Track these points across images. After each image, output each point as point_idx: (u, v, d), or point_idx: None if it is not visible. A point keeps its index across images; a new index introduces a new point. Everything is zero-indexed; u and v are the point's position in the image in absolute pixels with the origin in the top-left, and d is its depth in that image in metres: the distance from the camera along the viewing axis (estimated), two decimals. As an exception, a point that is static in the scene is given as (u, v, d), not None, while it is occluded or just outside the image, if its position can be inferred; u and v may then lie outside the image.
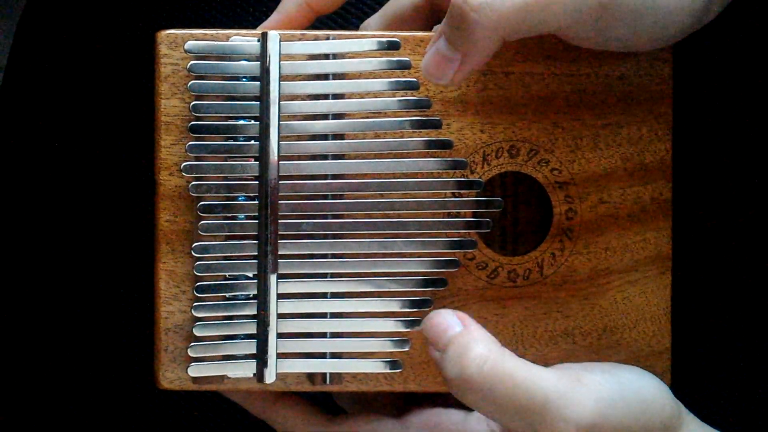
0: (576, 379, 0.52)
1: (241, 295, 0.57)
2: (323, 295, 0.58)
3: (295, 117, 0.57)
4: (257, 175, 0.56)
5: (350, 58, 0.57)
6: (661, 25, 0.52)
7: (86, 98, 0.69)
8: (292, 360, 0.57)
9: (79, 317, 0.69)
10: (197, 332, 0.57)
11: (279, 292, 0.56)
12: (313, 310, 0.57)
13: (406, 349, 0.58)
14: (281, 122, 0.56)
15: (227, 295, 0.57)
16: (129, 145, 0.69)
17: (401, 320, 0.58)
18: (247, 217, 0.57)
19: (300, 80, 0.57)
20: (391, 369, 0.58)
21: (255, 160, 0.56)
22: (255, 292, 0.57)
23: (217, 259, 0.57)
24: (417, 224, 0.57)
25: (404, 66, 0.57)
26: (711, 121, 0.63)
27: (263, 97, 0.56)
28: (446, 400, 0.59)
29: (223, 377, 0.57)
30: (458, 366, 0.51)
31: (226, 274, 0.57)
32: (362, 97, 0.57)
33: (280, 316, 0.57)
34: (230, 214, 0.57)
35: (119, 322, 0.69)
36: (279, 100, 0.56)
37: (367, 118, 0.57)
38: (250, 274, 0.57)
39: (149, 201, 0.58)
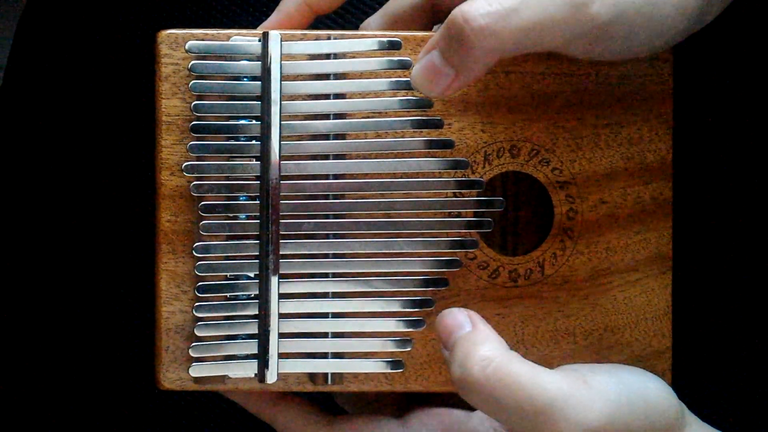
0: (582, 381, 0.52)
1: (243, 295, 0.57)
2: (324, 295, 0.57)
3: (296, 117, 0.57)
4: (258, 174, 0.56)
5: (351, 57, 0.57)
6: (655, 37, 0.52)
7: (87, 98, 0.69)
8: (294, 360, 0.57)
9: (79, 317, 0.69)
10: (198, 332, 0.57)
11: (280, 292, 0.56)
12: (315, 310, 0.57)
13: (408, 349, 0.58)
14: (282, 122, 0.56)
15: (228, 295, 0.57)
16: (130, 145, 0.69)
17: (402, 320, 0.58)
18: (248, 217, 0.57)
19: (301, 80, 0.57)
20: (392, 369, 0.58)
21: (256, 160, 0.56)
22: (256, 292, 0.57)
23: (218, 259, 0.57)
24: (418, 224, 0.57)
25: (405, 66, 0.57)
26: (711, 121, 0.63)
27: (264, 96, 0.56)
28: (448, 399, 0.59)
29: (224, 377, 0.57)
30: (462, 367, 0.51)
31: (227, 274, 0.57)
32: (363, 97, 0.57)
33: (282, 316, 0.57)
34: (231, 214, 0.57)
35: (120, 322, 0.69)
36: (280, 100, 0.56)
37: (369, 117, 0.57)
38: (252, 274, 0.57)
39: (150, 201, 0.58)
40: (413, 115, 0.57)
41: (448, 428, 0.58)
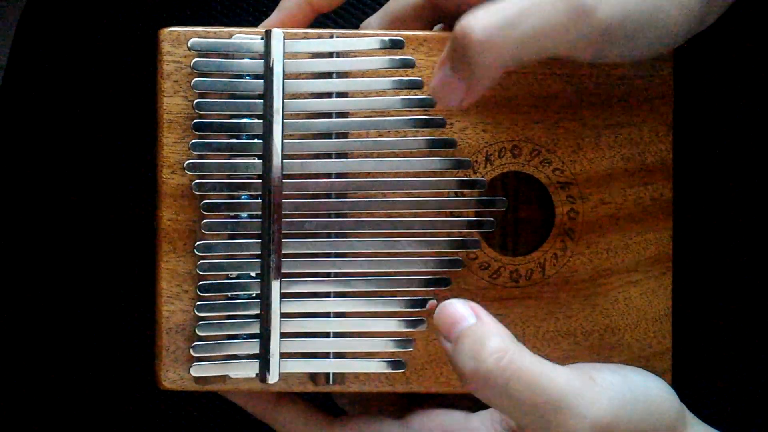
0: (588, 377, 0.52)
1: (244, 294, 0.57)
2: (326, 295, 0.57)
3: (298, 115, 0.57)
4: (260, 173, 0.56)
5: (354, 56, 0.57)
6: (659, 39, 0.52)
7: (87, 97, 0.69)
8: (295, 360, 0.57)
9: (79, 317, 0.69)
10: (199, 332, 0.57)
11: (282, 291, 0.56)
12: (316, 310, 0.57)
13: (410, 350, 0.58)
14: (285, 120, 0.56)
15: (230, 294, 0.57)
16: (131, 144, 0.68)
17: (404, 320, 0.58)
18: (250, 216, 0.56)
19: (303, 78, 0.57)
20: (394, 369, 0.58)
21: (258, 159, 0.56)
22: (258, 292, 0.56)
23: (219, 258, 0.57)
24: (420, 224, 0.57)
25: (408, 65, 0.57)
26: (711, 121, 0.63)
27: (267, 95, 0.56)
28: (448, 400, 0.59)
29: (225, 377, 0.57)
30: (474, 360, 0.51)
31: (229, 273, 0.57)
32: (366, 96, 0.57)
33: (283, 315, 0.56)
34: (233, 213, 0.56)
35: (120, 321, 0.69)
36: (282, 99, 0.56)
37: (371, 116, 0.57)
38: (253, 274, 0.57)
39: (151, 199, 0.57)
40: (415, 115, 0.57)
41: (449, 429, 0.58)
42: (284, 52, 0.56)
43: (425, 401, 0.60)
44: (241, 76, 0.56)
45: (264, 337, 0.56)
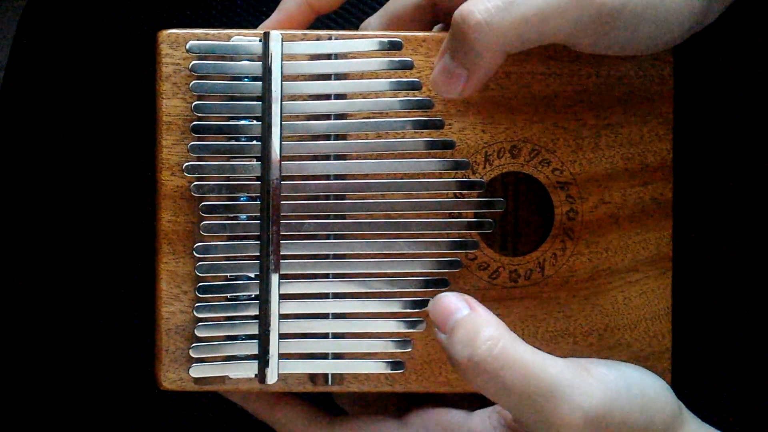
0: (583, 369, 0.52)
1: (243, 295, 0.57)
2: (325, 296, 0.57)
3: (297, 117, 0.57)
4: (259, 175, 0.56)
5: (352, 58, 0.57)
6: (661, 30, 0.52)
7: (87, 98, 0.69)
8: (294, 361, 0.57)
9: (79, 318, 0.69)
10: (199, 333, 0.57)
11: (281, 292, 0.56)
12: (315, 311, 0.57)
13: (408, 350, 0.58)
14: (283, 122, 0.56)
15: (229, 295, 0.57)
16: (130, 145, 0.69)
17: (403, 321, 0.58)
18: (248, 218, 0.57)
19: (302, 80, 0.57)
20: (393, 369, 0.58)
21: (257, 161, 0.56)
22: (257, 293, 0.57)
23: (218, 259, 0.57)
24: (419, 225, 0.57)
25: (406, 66, 0.57)
26: (711, 121, 0.63)
27: (265, 97, 0.56)
28: (448, 400, 0.59)
29: (224, 378, 0.57)
30: (468, 348, 0.51)
31: (228, 274, 0.57)
32: (364, 98, 0.57)
33: (282, 316, 0.57)
34: (232, 215, 0.57)
35: (120, 322, 0.69)
36: (281, 100, 0.56)
37: (369, 118, 0.57)
38: (252, 275, 0.57)
39: (150, 201, 0.58)
40: (414, 116, 0.57)
41: (448, 428, 0.58)
42: (282, 54, 0.56)
43: (424, 401, 0.60)
44: (239, 78, 0.56)
45: (263, 338, 0.56)
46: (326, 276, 0.57)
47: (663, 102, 0.59)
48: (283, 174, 0.56)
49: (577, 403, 0.51)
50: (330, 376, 0.58)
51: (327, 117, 0.57)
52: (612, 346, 0.59)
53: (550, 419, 0.51)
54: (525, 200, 0.61)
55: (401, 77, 0.57)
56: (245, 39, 0.57)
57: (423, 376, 0.58)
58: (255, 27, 0.59)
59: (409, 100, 0.57)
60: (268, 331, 0.56)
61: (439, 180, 0.57)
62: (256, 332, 0.57)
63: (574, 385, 0.51)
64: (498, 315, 0.55)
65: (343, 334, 0.58)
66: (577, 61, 0.58)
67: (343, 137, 0.57)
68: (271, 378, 0.57)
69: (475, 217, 0.58)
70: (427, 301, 0.57)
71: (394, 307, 0.58)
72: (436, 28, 0.61)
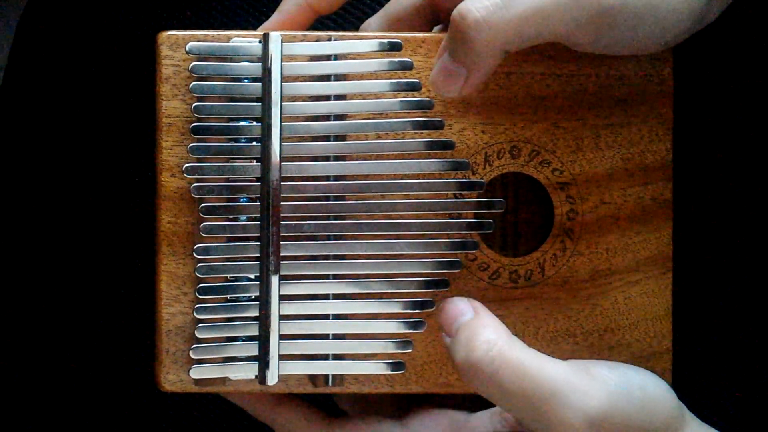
0: (584, 370, 0.52)
1: (243, 296, 0.57)
2: (325, 297, 0.57)
3: (296, 118, 0.57)
4: (259, 176, 0.56)
5: (352, 59, 0.57)
6: (661, 29, 0.52)
7: (87, 99, 0.69)
8: (294, 362, 0.57)
9: (79, 318, 0.69)
10: (199, 334, 0.57)
11: (281, 293, 0.56)
12: (315, 312, 0.57)
13: (409, 351, 0.58)
14: (283, 123, 0.56)
15: (229, 296, 0.57)
16: (130, 147, 0.69)
17: (403, 321, 0.58)
18: (248, 219, 0.57)
19: (302, 81, 0.57)
20: (393, 370, 0.58)
21: (257, 162, 0.56)
22: (257, 294, 0.57)
23: (218, 260, 0.57)
24: (419, 225, 0.57)
25: (406, 67, 0.57)
26: (711, 121, 0.63)
27: (265, 98, 0.56)
28: (448, 401, 0.59)
29: (224, 379, 0.57)
30: (466, 350, 0.52)
31: (228, 275, 0.57)
32: (364, 98, 0.57)
33: (282, 317, 0.57)
34: (232, 216, 0.57)
35: (120, 323, 0.69)
36: (281, 101, 0.56)
37: (369, 119, 0.57)
38: (252, 276, 0.57)
39: (150, 202, 0.58)
40: (414, 117, 0.57)
41: (448, 429, 0.58)
42: (282, 55, 0.56)
43: (425, 402, 0.60)
44: (239, 80, 0.56)
45: (263, 339, 0.56)
46: (326, 277, 0.57)
47: (663, 102, 0.58)
48: (283, 175, 0.56)
49: (579, 406, 0.51)
50: (330, 377, 0.58)
51: (327, 118, 0.57)
52: (612, 347, 0.59)
53: (551, 422, 0.51)
54: (525, 201, 0.61)
55: (401, 78, 0.57)
56: (245, 40, 0.57)
57: (423, 377, 0.58)
58: (255, 28, 0.59)
59: (408, 100, 0.57)
60: (269, 333, 0.56)
61: (439, 180, 0.57)
62: (257, 333, 0.57)
63: (576, 387, 0.51)
64: (498, 315, 0.55)
65: (343, 335, 0.58)
66: (577, 61, 0.58)
67: (343, 138, 0.57)
68: (272, 379, 0.57)
69: (475, 218, 0.58)
70: (428, 301, 0.57)
71: (394, 307, 0.58)
72: (435, 28, 0.61)
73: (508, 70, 0.58)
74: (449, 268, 0.58)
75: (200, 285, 0.57)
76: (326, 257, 0.57)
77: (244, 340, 0.57)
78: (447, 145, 0.57)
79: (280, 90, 0.56)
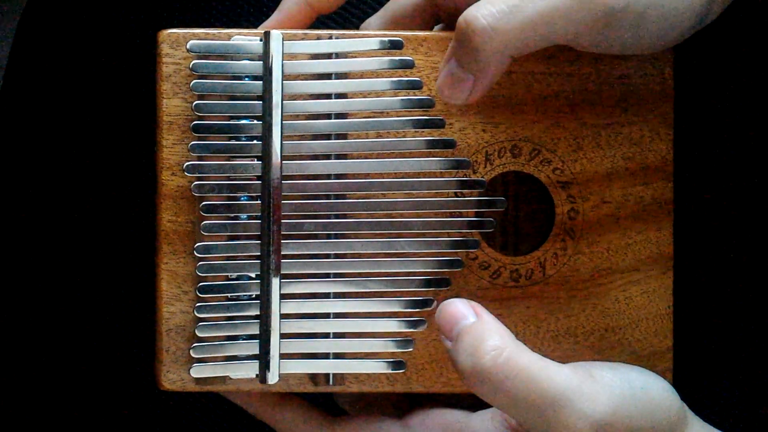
0: (588, 375, 0.52)
1: (244, 295, 0.57)
2: (326, 296, 0.57)
3: (297, 116, 0.57)
4: (260, 174, 0.56)
5: (353, 57, 0.57)
6: (663, 29, 0.52)
7: (87, 98, 0.69)
8: (295, 361, 0.57)
9: (79, 317, 0.69)
10: (199, 333, 0.57)
11: (282, 292, 0.56)
12: (316, 311, 0.57)
13: (410, 350, 0.58)
14: (284, 122, 0.56)
15: (229, 295, 0.57)
16: (130, 145, 0.68)
17: (404, 320, 0.58)
18: (249, 217, 0.57)
19: (302, 79, 0.57)
20: (394, 369, 0.58)
21: (258, 160, 0.56)
22: (257, 293, 0.57)
23: (219, 259, 0.57)
24: (420, 224, 0.57)
25: (407, 65, 0.57)
26: (712, 120, 0.63)
27: (266, 96, 0.56)
28: (449, 400, 0.59)
29: (225, 378, 0.57)
30: (473, 357, 0.51)
31: (229, 274, 0.57)
32: (365, 97, 0.57)
33: (283, 316, 0.56)
34: (233, 214, 0.57)
35: (120, 322, 0.69)
36: (282, 100, 0.56)
37: (370, 117, 0.57)
38: (253, 275, 0.57)
39: (151, 201, 0.57)
40: (414, 115, 0.57)
41: (449, 428, 0.58)
42: (283, 54, 0.56)
43: (425, 401, 0.60)
44: (240, 78, 0.56)
45: (264, 338, 0.56)
46: (327, 276, 0.57)
47: (663, 101, 0.59)
48: (283, 173, 0.56)
49: (584, 411, 0.51)
50: (331, 376, 0.58)
51: (327, 116, 0.57)
52: (613, 346, 0.59)
53: (556, 428, 0.51)
54: (526, 200, 0.61)
55: (402, 76, 0.57)
56: (246, 38, 0.57)
57: (424, 376, 0.58)
58: (255, 27, 0.59)
59: (409, 99, 0.57)
60: (269, 331, 0.56)
61: (439, 179, 0.57)
62: (257, 332, 0.56)
63: (580, 392, 0.51)
64: (499, 315, 0.55)
65: (344, 333, 0.58)
66: (578, 60, 0.58)
67: (344, 136, 0.57)
68: (272, 378, 0.57)
69: (475, 217, 0.58)
70: (429, 300, 0.57)
71: (395, 306, 0.57)
72: (436, 27, 0.61)
73: (509, 69, 0.57)
74: (450, 267, 0.58)
75: (201, 284, 0.57)
76: (327, 256, 0.57)
77: (244, 339, 0.57)
78: (448, 144, 0.57)
79: (281, 88, 0.56)
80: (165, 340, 0.57)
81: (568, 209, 0.58)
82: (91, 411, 0.69)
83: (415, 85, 0.57)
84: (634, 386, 0.53)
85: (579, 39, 0.52)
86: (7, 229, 0.71)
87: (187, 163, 0.56)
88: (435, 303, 0.57)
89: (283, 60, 0.56)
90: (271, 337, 0.56)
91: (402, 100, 0.57)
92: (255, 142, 0.56)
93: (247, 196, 0.57)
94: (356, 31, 0.59)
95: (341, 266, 0.57)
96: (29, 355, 0.70)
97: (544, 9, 0.50)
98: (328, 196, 0.57)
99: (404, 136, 0.57)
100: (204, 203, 0.56)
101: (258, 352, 0.56)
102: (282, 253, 0.56)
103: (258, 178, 0.56)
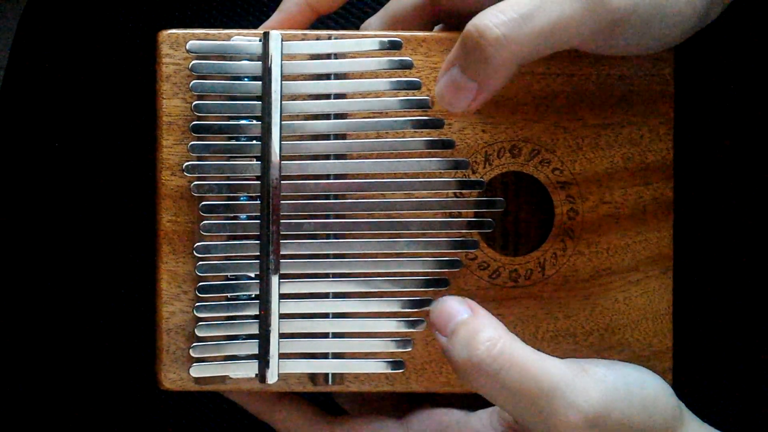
0: (582, 369, 0.52)
1: (243, 295, 0.57)
2: (325, 296, 0.57)
3: (296, 117, 0.57)
4: (259, 175, 0.56)
5: (352, 58, 0.57)
6: (666, 31, 0.52)
7: (87, 98, 0.69)
8: (294, 360, 0.57)
9: (80, 317, 0.69)
10: (199, 332, 0.57)
11: (281, 292, 0.56)
12: (315, 311, 0.57)
13: (409, 350, 0.58)
14: (283, 122, 0.56)
15: (229, 295, 0.57)
16: (130, 145, 0.69)
17: (403, 320, 0.58)
18: (249, 217, 0.57)
19: (302, 80, 0.57)
20: (393, 369, 0.58)
21: (257, 160, 0.56)
22: (257, 293, 0.57)
23: (219, 259, 0.57)
24: (419, 224, 0.57)
25: (406, 66, 0.57)
26: (712, 120, 0.63)
27: (265, 96, 0.56)
28: (447, 399, 0.59)
29: (225, 378, 0.57)
30: (467, 349, 0.52)
31: (228, 274, 0.57)
32: (364, 97, 0.57)
33: (282, 316, 0.57)
34: (232, 214, 0.57)
35: (120, 322, 0.69)
36: (281, 100, 0.56)
37: (369, 117, 0.57)
38: (252, 275, 0.57)
39: (151, 201, 0.58)
40: (414, 115, 0.57)
41: (448, 428, 0.58)
42: (282, 54, 0.56)
43: (425, 401, 0.60)
44: (239, 78, 0.57)
45: (263, 338, 0.56)
46: (326, 276, 0.57)
47: (664, 101, 0.58)
48: (282, 174, 0.56)
49: (577, 404, 0.51)
50: (330, 376, 0.58)
51: (327, 117, 0.57)
52: (613, 346, 0.59)
53: (549, 420, 0.51)
54: (525, 200, 0.61)
55: (401, 77, 0.57)
56: (245, 39, 0.57)
57: (423, 376, 0.58)
58: (255, 27, 0.59)
59: (408, 99, 0.57)
60: (269, 331, 0.56)
61: (439, 179, 0.57)
62: (257, 332, 0.57)
63: (573, 385, 0.51)
64: (498, 315, 0.55)
65: (343, 333, 0.58)
66: (578, 61, 0.58)
67: (343, 137, 0.57)
68: (272, 378, 0.57)
69: (475, 217, 0.58)
70: (428, 300, 0.57)
71: (394, 306, 0.58)
72: (436, 28, 0.61)
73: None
74: (449, 267, 0.58)
75: (200, 283, 0.57)
76: (326, 256, 0.57)
77: (244, 339, 0.57)
78: (447, 144, 0.57)
79: (281, 89, 0.56)
80: (165, 339, 0.57)
81: (567, 209, 0.58)
82: (91, 411, 0.69)
83: (415, 86, 0.57)
84: (628, 382, 0.53)
85: (585, 44, 0.52)
86: (7, 229, 0.71)
87: (187, 163, 0.56)
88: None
89: (282, 60, 0.56)
90: (270, 337, 0.56)
91: (401, 100, 0.57)
92: (254, 142, 0.56)
93: (246, 196, 0.57)
94: (356, 32, 0.59)
95: (340, 266, 0.57)
96: (29, 355, 0.70)
97: (555, 18, 0.49)
98: (327, 197, 0.57)
99: (403, 137, 0.57)
100: (203, 203, 0.56)
101: (257, 352, 0.57)
102: (281, 253, 0.56)
103: (257, 178, 0.56)
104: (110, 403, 0.69)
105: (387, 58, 0.57)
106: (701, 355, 0.64)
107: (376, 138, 0.57)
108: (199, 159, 0.57)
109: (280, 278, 0.56)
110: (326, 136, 0.57)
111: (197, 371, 0.57)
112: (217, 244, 0.57)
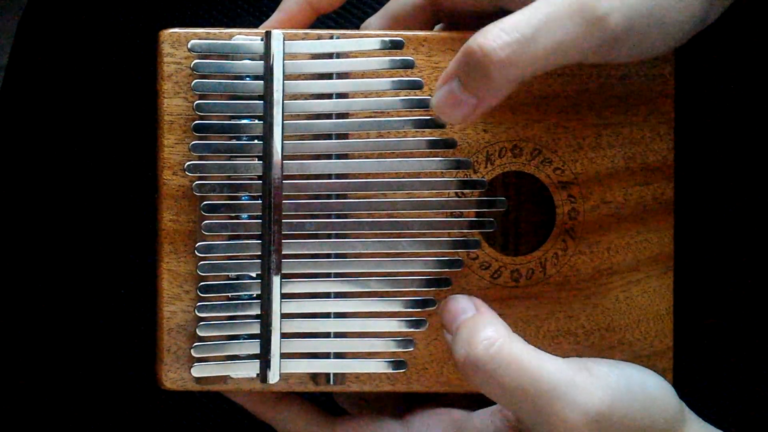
0: (584, 368, 0.52)
1: (245, 295, 0.57)
2: (327, 295, 0.57)
3: (298, 116, 0.57)
4: (260, 174, 0.56)
5: (354, 57, 0.57)
6: (666, 38, 0.53)
7: (88, 98, 0.69)
8: (296, 360, 0.57)
9: (80, 317, 0.69)
10: (200, 332, 0.57)
11: (282, 292, 0.56)
12: (317, 310, 0.57)
13: (410, 350, 0.58)
14: (285, 121, 0.56)
15: (230, 294, 0.57)
16: (131, 145, 0.68)
17: (405, 320, 0.58)
18: (250, 217, 0.57)
19: (303, 79, 0.57)
20: (394, 369, 0.58)
21: (258, 160, 0.56)
22: (258, 292, 0.57)
23: (220, 258, 0.57)
24: (420, 224, 0.57)
25: (408, 65, 0.57)
26: (713, 120, 0.63)
27: (267, 96, 0.56)
28: (449, 399, 0.59)
29: (226, 377, 0.57)
30: (466, 346, 0.52)
31: (230, 274, 0.57)
32: (366, 97, 0.57)
33: (284, 316, 0.57)
34: (234, 214, 0.57)
35: (121, 321, 0.69)
36: (283, 100, 0.56)
37: (371, 117, 0.57)
38: (254, 274, 0.57)
39: (152, 201, 0.57)
40: (415, 115, 0.57)
41: (450, 428, 0.58)
42: (284, 53, 0.56)
43: (426, 401, 0.60)
44: (241, 78, 0.56)
45: (264, 338, 0.56)
46: (328, 275, 0.57)
47: (664, 101, 0.59)
48: (284, 173, 0.56)
49: (577, 403, 0.51)
50: (332, 376, 0.58)
51: (328, 116, 0.57)
52: (613, 346, 0.59)
53: (549, 419, 0.51)
54: (526, 200, 0.61)
55: (402, 76, 0.57)
56: (247, 38, 0.57)
57: (425, 376, 0.58)
58: (255, 27, 0.59)
59: (410, 99, 0.57)
60: (270, 331, 0.56)
61: (440, 179, 0.57)
62: (258, 332, 0.57)
63: (574, 384, 0.51)
64: (499, 314, 0.55)
65: (344, 333, 0.58)
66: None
67: (345, 136, 0.57)
68: (273, 378, 0.57)
69: (476, 217, 0.58)
70: (430, 300, 0.57)
71: (395, 306, 0.58)
72: (437, 27, 0.61)
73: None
74: (451, 266, 0.58)
75: (201, 283, 0.57)
76: (328, 255, 0.57)
77: (245, 339, 0.57)
78: (448, 144, 0.57)
79: (282, 88, 0.56)
80: (166, 339, 0.57)
81: (568, 209, 0.58)
82: (92, 411, 0.69)
83: (416, 85, 0.57)
84: (631, 382, 0.53)
85: (586, 60, 0.52)
86: (7, 229, 0.71)
87: (188, 163, 0.56)
88: (436, 304, 0.57)
89: (284, 60, 0.56)
90: (271, 337, 0.56)
91: (402, 99, 0.57)
92: (256, 141, 0.56)
93: (248, 195, 0.57)
94: (357, 31, 0.59)
95: (342, 266, 0.57)
96: (29, 355, 0.70)
97: (559, 39, 0.49)
98: (328, 196, 0.57)
99: (405, 136, 0.57)
100: (205, 203, 0.56)
101: (259, 352, 0.57)
102: (283, 252, 0.56)
103: (259, 177, 0.56)
104: (110, 403, 0.69)
105: (389, 57, 0.57)
106: (701, 355, 0.64)
107: (378, 138, 0.57)
108: (200, 158, 0.57)
109: (281, 278, 0.56)
110: (328, 136, 0.57)
111: (198, 371, 0.57)
112: (218, 244, 0.57)
